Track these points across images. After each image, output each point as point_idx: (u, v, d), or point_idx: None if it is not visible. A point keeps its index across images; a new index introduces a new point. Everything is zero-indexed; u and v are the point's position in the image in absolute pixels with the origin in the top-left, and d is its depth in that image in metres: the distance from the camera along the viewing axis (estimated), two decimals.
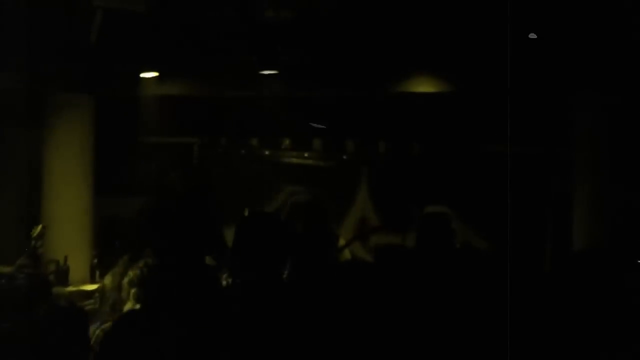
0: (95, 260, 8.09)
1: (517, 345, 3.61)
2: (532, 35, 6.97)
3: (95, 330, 3.94)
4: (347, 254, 7.10)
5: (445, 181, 9.49)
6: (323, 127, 7.20)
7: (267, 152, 10.15)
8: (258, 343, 3.32)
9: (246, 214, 6.48)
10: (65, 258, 8.01)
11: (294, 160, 10.10)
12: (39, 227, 6.92)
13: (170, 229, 5.38)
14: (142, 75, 8.77)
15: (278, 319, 3.39)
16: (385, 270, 4.91)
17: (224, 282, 5.77)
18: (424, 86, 8.89)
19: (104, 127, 8.86)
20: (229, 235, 3.82)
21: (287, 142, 10.10)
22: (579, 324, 3.58)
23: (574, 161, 8.36)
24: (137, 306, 3.95)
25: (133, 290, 3.98)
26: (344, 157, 10.07)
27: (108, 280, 4.20)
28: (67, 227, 8.37)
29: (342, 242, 7.07)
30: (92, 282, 7.89)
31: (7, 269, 5.91)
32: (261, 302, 3.42)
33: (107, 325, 3.87)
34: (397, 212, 9.68)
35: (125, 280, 4.01)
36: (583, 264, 3.80)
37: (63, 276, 7.93)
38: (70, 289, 7.68)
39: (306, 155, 10.09)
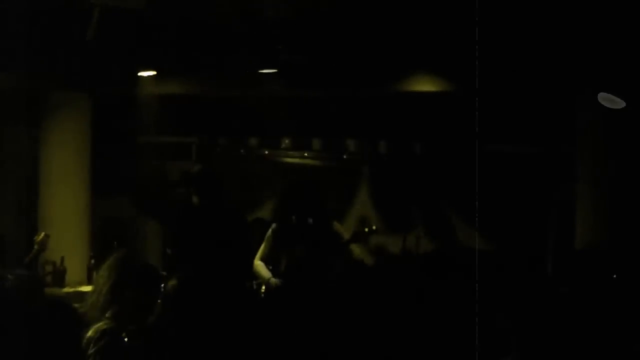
0: (93, 262, 8.01)
1: (519, 344, 3.58)
2: None
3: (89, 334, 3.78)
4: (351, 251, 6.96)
5: (445, 181, 9.44)
6: None
7: (267, 152, 10.09)
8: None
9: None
10: (62, 259, 7.96)
11: (294, 160, 10.05)
12: (42, 235, 6.81)
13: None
14: (140, 73, 8.71)
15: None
16: (385, 270, 4.88)
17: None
18: (424, 86, 8.84)
19: (102, 126, 8.80)
20: None
21: (287, 142, 10.05)
22: (581, 321, 3.56)
23: (577, 160, 8.33)
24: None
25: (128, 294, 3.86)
26: (344, 157, 10.02)
27: (98, 282, 4.04)
28: (64, 228, 8.28)
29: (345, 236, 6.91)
30: (89, 283, 7.80)
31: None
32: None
33: (99, 325, 3.74)
34: (398, 212, 9.63)
35: (114, 282, 3.86)
36: (586, 262, 3.78)
37: (60, 277, 7.88)
38: (67, 290, 7.62)
39: (306, 155, 10.04)
